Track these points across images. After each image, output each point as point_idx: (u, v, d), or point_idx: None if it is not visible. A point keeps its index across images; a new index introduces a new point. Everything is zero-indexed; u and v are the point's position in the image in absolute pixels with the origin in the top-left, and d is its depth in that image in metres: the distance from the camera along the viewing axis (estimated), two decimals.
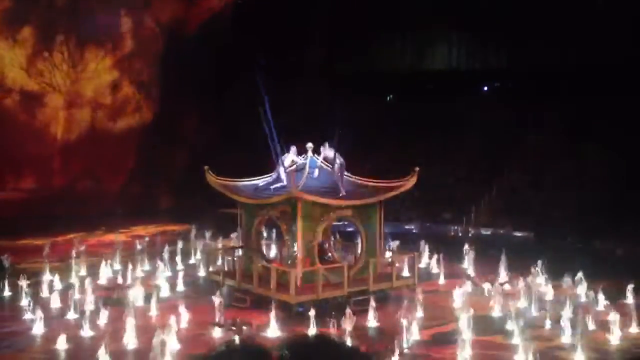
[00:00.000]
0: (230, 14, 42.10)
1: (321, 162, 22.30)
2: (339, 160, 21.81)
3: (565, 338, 18.22)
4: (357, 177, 22.89)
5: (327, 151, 22.15)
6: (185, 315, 19.70)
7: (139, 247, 28.25)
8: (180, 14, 40.38)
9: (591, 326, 18.99)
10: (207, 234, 30.08)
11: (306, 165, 22.03)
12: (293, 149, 22.58)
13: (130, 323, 18.31)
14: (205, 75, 40.73)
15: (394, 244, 25.75)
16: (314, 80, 44.23)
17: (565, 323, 18.51)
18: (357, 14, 43.55)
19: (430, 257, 27.13)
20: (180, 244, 28.53)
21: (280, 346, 6.96)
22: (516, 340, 17.85)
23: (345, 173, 22.32)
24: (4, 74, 35.93)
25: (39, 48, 36.34)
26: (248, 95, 27.44)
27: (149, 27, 39.37)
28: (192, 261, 27.86)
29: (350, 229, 26.35)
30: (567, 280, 22.87)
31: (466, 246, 26.69)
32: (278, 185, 21.74)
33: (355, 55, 46.79)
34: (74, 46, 36.99)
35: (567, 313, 19.37)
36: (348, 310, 18.44)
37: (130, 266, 25.28)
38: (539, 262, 23.85)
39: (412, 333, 18.28)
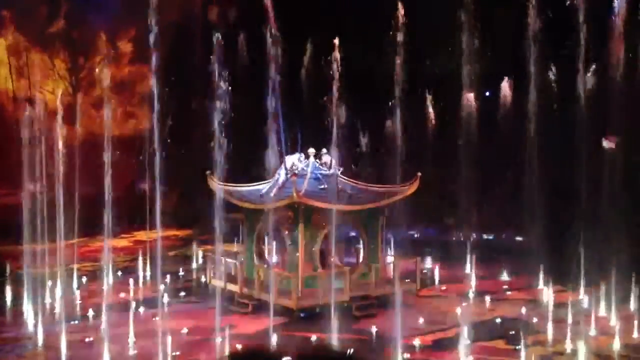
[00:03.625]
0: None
1: (320, 165, 22.26)
2: (333, 169, 21.79)
3: (567, 343, 18.14)
4: (358, 182, 22.85)
5: (325, 158, 22.15)
6: (186, 320, 19.68)
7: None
8: (184, 15, 40.32)
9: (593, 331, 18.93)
10: (209, 239, 29.92)
11: (307, 170, 21.99)
12: (297, 155, 22.49)
13: (131, 328, 18.28)
14: (210, 76, 40.52)
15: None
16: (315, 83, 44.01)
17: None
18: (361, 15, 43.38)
19: (431, 262, 27.04)
20: (182, 249, 28.45)
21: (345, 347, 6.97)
22: (518, 345, 17.78)
23: (347, 179, 22.30)
24: (6, 80, 36.03)
25: (42, 54, 36.45)
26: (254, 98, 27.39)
27: (154, 30, 39.35)
28: (194, 266, 27.81)
29: (352, 234, 26.26)
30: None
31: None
32: (283, 188, 21.61)
33: (358, 59, 46.51)
34: (77, 52, 37.10)
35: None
36: None
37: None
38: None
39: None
